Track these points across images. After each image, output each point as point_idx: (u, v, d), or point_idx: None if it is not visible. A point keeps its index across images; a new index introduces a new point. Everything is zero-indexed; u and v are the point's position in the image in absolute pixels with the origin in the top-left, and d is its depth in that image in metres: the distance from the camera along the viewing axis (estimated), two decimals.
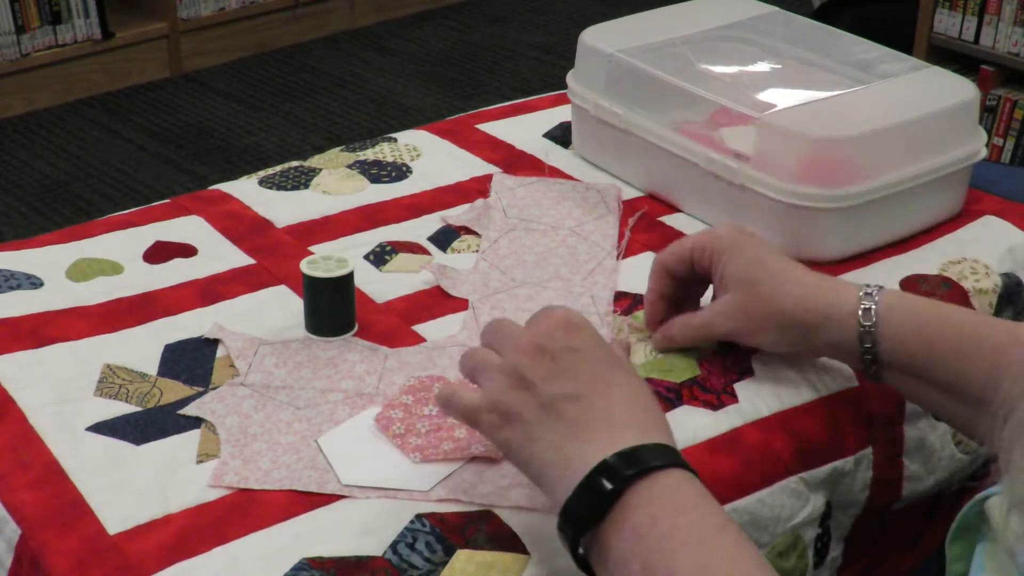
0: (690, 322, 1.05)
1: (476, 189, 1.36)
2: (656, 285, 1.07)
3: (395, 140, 1.47)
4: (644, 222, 1.30)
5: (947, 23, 3.11)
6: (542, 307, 0.89)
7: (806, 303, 0.98)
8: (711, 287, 1.06)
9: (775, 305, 0.98)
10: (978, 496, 0.71)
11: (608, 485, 0.76)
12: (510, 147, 1.45)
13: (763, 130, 1.20)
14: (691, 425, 1.00)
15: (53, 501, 0.92)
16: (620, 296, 1.17)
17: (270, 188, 1.36)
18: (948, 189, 1.26)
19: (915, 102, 1.25)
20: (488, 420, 0.85)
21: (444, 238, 1.27)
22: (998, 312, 1.18)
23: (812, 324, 0.97)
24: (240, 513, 0.91)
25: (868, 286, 0.97)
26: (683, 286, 1.07)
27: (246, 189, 1.36)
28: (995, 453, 0.66)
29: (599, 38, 1.39)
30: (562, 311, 0.86)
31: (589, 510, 0.77)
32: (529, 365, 0.83)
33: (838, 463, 1.04)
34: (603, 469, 0.77)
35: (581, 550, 0.79)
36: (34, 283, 1.18)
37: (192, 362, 1.07)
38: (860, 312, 0.95)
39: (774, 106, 1.22)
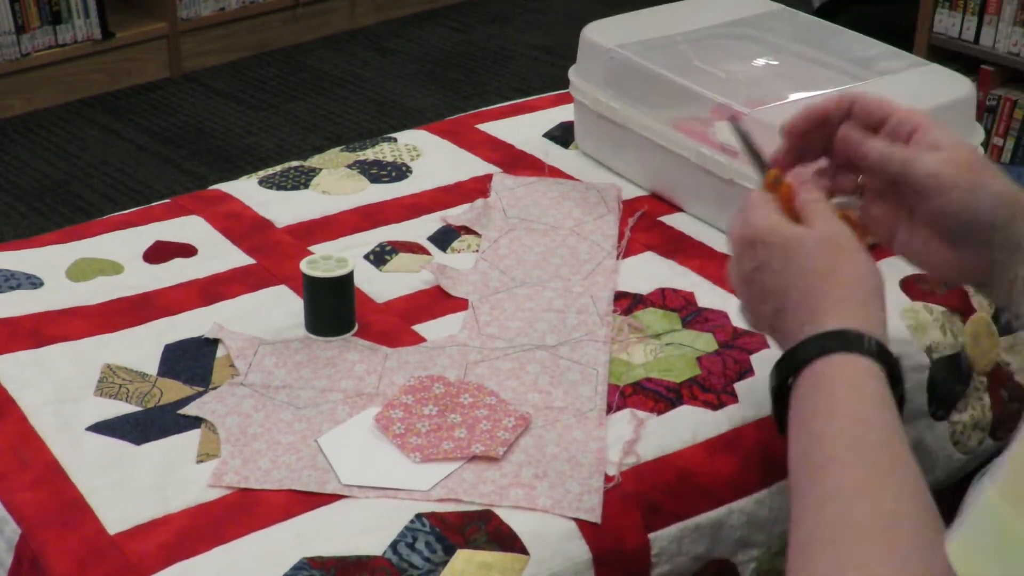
0: (891, 148, 0.90)
1: (476, 189, 1.36)
2: (833, 112, 0.92)
3: (395, 140, 1.48)
4: (644, 222, 1.30)
5: (947, 23, 3.10)
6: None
7: (1015, 188, 0.88)
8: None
9: (994, 176, 0.88)
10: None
11: (778, 378, 0.82)
12: (510, 147, 1.45)
13: (752, 126, 1.20)
14: (691, 425, 1.00)
15: (53, 501, 0.92)
16: (620, 296, 1.17)
17: (270, 188, 1.36)
18: None
19: (910, 99, 1.24)
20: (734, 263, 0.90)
21: (444, 238, 1.27)
22: (998, 312, 1.18)
23: (1012, 216, 0.86)
24: (240, 513, 0.91)
25: None
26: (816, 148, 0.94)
27: (246, 189, 1.36)
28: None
29: (600, 33, 1.39)
30: (747, 230, 0.87)
31: (788, 368, 0.82)
32: (738, 262, 0.88)
33: None
34: (781, 361, 0.82)
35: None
36: (34, 283, 1.18)
37: (192, 362, 1.07)
38: None
39: (766, 102, 1.23)
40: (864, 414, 0.77)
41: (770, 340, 0.89)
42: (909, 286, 1.17)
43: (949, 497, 1.18)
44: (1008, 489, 0.63)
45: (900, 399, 0.81)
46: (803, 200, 0.88)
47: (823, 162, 0.94)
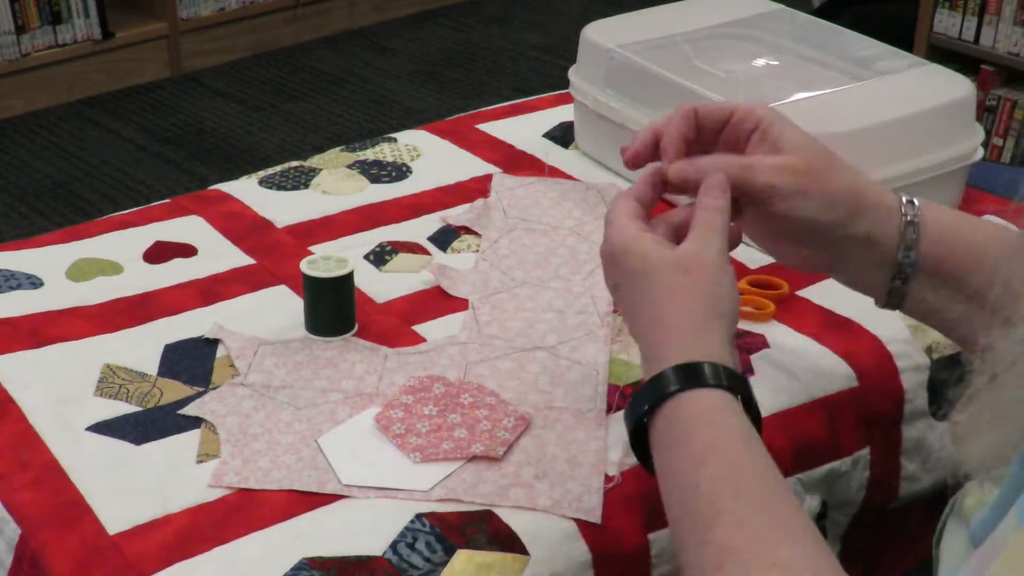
0: (731, 157, 0.90)
1: (476, 189, 1.36)
2: (679, 126, 0.91)
3: (395, 140, 1.48)
4: None
5: (947, 23, 3.10)
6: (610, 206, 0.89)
7: (862, 184, 0.90)
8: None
9: (833, 176, 0.89)
10: (952, 498, 0.71)
11: (641, 408, 0.82)
12: (510, 147, 1.45)
13: None
14: None
15: (53, 501, 0.92)
16: None
17: (270, 188, 1.36)
18: (944, 187, 1.26)
19: (909, 99, 1.25)
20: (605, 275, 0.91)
21: (444, 238, 1.27)
22: None
23: (860, 206, 0.89)
24: (240, 513, 0.91)
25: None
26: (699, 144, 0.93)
27: (246, 189, 1.36)
28: None
29: (600, 33, 1.39)
30: (605, 248, 0.87)
31: (633, 420, 0.83)
32: (605, 274, 0.89)
33: (835, 464, 1.04)
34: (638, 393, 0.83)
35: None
36: (34, 283, 1.18)
37: (192, 362, 1.07)
38: (904, 203, 0.89)
39: (766, 103, 1.22)
40: (734, 457, 0.77)
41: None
42: None
43: (950, 498, 1.18)
44: None
45: (756, 418, 0.82)
46: (692, 216, 0.87)
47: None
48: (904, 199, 0.90)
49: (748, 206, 0.90)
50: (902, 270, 0.90)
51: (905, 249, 0.89)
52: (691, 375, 0.80)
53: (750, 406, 0.81)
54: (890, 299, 0.92)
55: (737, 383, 0.81)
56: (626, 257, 0.86)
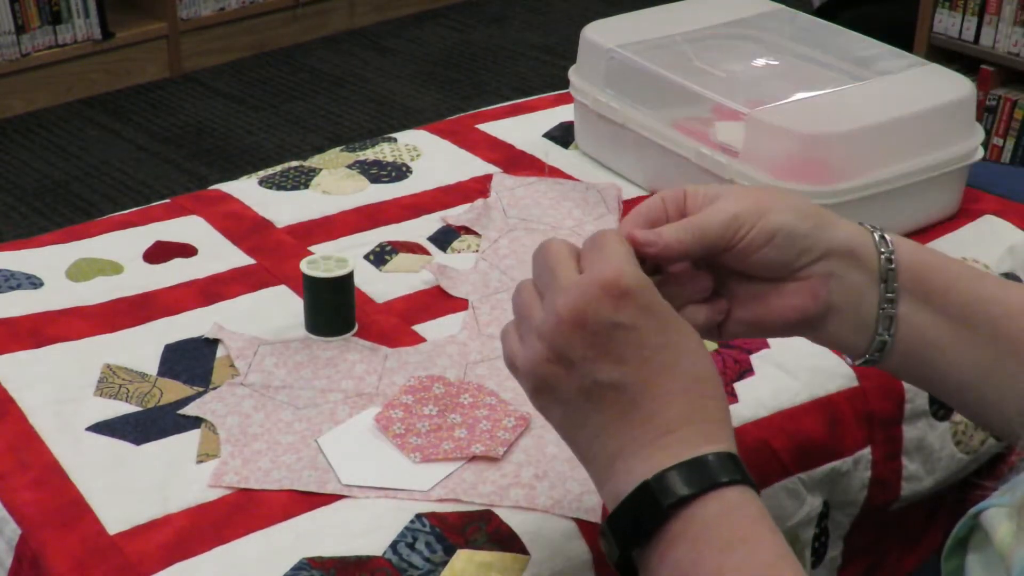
0: (688, 219, 0.79)
1: (476, 189, 1.36)
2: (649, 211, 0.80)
3: (395, 140, 1.47)
4: None
5: (947, 23, 3.10)
6: (592, 234, 0.75)
7: (828, 213, 0.81)
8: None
9: (787, 195, 0.81)
10: (972, 510, 0.67)
11: (649, 511, 0.68)
12: (510, 147, 1.45)
13: (752, 126, 1.20)
14: None
15: (53, 501, 0.92)
16: None
17: (270, 188, 1.36)
18: (944, 187, 1.26)
19: (908, 99, 1.25)
20: (527, 386, 0.74)
21: (444, 238, 1.27)
22: None
23: (829, 217, 0.81)
24: (240, 513, 0.91)
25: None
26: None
27: (246, 189, 1.36)
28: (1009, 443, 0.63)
29: (600, 33, 1.39)
30: (612, 268, 0.71)
31: (631, 530, 0.69)
32: (567, 342, 0.70)
33: (836, 463, 1.04)
34: (645, 490, 0.68)
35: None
36: (34, 283, 1.18)
37: (192, 362, 1.07)
38: (876, 237, 0.81)
39: (765, 102, 1.23)
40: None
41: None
42: None
43: (950, 497, 1.19)
44: None
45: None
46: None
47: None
48: (863, 224, 0.83)
49: (727, 277, 0.81)
50: (888, 287, 0.81)
51: (886, 260, 0.81)
52: (727, 464, 0.70)
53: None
54: (872, 352, 0.82)
55: (742, 471, 0.71)
56: (643, 293, 0.71)
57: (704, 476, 0.68)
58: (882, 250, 0.81)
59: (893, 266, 0.81)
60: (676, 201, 0.80)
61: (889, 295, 0.81)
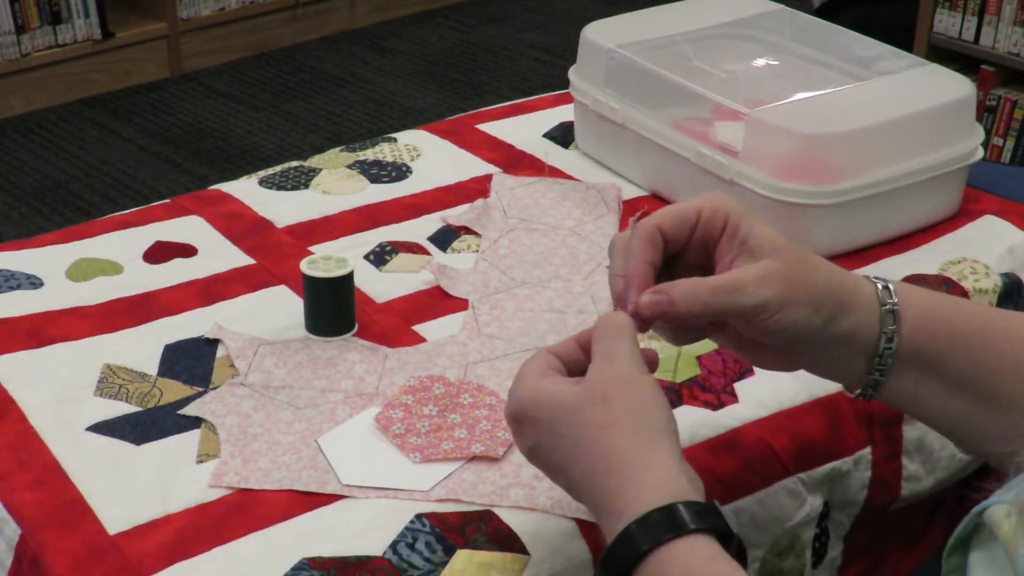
0: (708, 284, 0.83)
1: (476, 189, 1.36)
2: (644, 254, 0.85)
3: (395, 140, 1.47)
4: None
5: (947, 23, 3.10)
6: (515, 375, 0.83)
7: (839, 276, 0.86)
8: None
9: (813, 276, 0.84)
10: (975, 509, 0.68)
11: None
12: (510, 147, 1.45)
13: (752, 126, 1.20)
14: (691, 425, 1.00)
15: (53, 501, 0.92)
16: None
17: (270, 188, 1.36)
18: (944, 187, 1.26)
19: (908, 99, 1.25)
20: (516, 443, 0.84)
21: (444, 238, 1.27)
22: None
23: (844, 301, 0.85)
24: (240, 513, 0.91)
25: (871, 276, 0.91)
26: (668, 260, 0.88)
27: (246, 189, 1.36)
28: (1009, 452, 0.64)
29: (600, 33, 1.39)
30: (512, 407, 0.81)
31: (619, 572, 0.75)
32: (517, 441, 0.83)
33: (836, 463, 1.04)
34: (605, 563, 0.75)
35: None
36: (34, 283, 1.18)
37: (192, 362, 1.07)
38: (879, 290, 0.86)
39: (765, 102, 1.23)
40: None
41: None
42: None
43: (950, 497, 1.19)
44: None
45: (741, 553, 0.76)
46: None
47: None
48: (880, 286, 0.86)
49: (732, 322, 0.86)
50: (882, 360, 0.86)
51: (886, 340, 0.85)
52: (659, 524, 0.73)
53: (729, 540, 0.75)
54: (865, 389, 0.88)
55: (710, 516, 0.74)
56: (537, 409, 0.79)
57: (630, 548, 0.74)
58: (885, 330, 0.86)
59: (892, 346, 0.86)
60: (709, 224, 0.86)
61: (880, 367, 0.86)
